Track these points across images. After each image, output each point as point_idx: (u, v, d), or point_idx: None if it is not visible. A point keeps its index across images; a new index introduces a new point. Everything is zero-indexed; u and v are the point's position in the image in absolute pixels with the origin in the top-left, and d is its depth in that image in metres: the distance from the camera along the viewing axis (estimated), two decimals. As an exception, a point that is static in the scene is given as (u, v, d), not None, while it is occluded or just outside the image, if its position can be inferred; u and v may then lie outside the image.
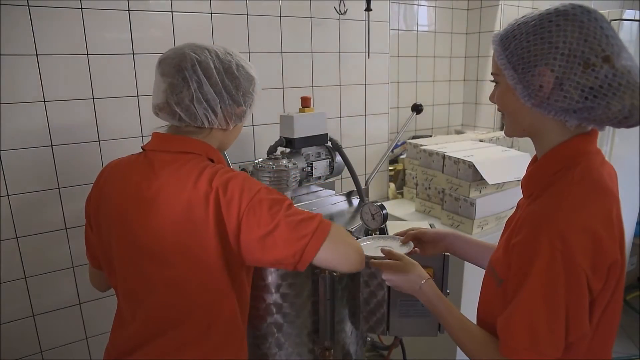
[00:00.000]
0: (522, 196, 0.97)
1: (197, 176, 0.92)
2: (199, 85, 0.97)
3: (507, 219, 1.02)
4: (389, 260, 1.09)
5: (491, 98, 0.93)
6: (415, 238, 1.23)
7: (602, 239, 0.77)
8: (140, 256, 0.97)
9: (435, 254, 1.22)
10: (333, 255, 0.92)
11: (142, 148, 1.04)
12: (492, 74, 0.90)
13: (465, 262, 1.82)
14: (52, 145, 1.47)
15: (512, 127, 0.92)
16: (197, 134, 1.02)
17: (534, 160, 0.94)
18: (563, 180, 0.82)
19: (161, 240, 0.94)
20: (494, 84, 0.91)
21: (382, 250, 1.13)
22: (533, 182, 0.89)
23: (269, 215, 0.89)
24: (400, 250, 1.19)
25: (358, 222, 1.41)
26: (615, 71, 0.76)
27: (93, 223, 1.07)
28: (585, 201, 0.79)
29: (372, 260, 1.12)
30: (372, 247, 1.23)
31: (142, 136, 1.61)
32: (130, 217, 0.97)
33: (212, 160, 1.01)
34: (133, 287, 1.01)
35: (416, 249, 1.23)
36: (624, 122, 0.79)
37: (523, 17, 0.83)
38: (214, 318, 0.98)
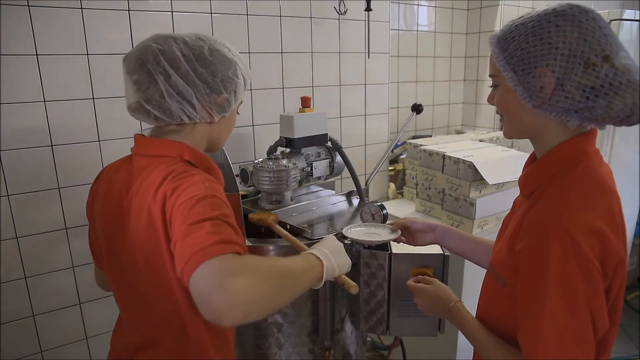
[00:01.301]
0: (518, 194, 0.97)
1: (160, 183, 0.85)
2: (167, 77, 0.89)
3: (504, 217, 1.01)
4: (422, 285, 1.10)
5: (489, 100, 0.93)
6: (404, 227, 1.24)
7: (609, 238, 0.76)
8: (123, 267, 0.95)
9: (425, 245, 1.24)
10: (196, 291, 0.68)
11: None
12: (490, 75, 0.90)
13: (466, 262, 1.83)
14: (52, 145, 1.47)
15: (512, 128, 0.91)
16: (178, 132, 0.95)
17: (532, 159, 0.94)
18: (564, 181, 0.82)
19: (133, 251, 0.90)
20: (491, 85, 0.91)
21: (417, 279, 1.14)
22: (532, 181, 0.89)
23: (182, 225, 0.76)
24: (388, 237, 1.21)
25: (358, 222, 1.41)
26: (615, 70, 0.76)
27: (91, 227, 1.06)
28: (588, 201, 0.79)
29: (409, 283, 1.14)
30: (362, 233, 1.25)
31: (142, 136, 1.61)
32: (112, 225, 0.95)
33: (191, 162, 0.93)
34: (120, 295, 1.00)
35: (402, 237, 1.24)
36: (625, 120, 0.79)
37: (520, 18, 0.83)
38: (184, 336, 0.92)
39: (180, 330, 0.92)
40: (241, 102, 1.04)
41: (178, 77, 0.89)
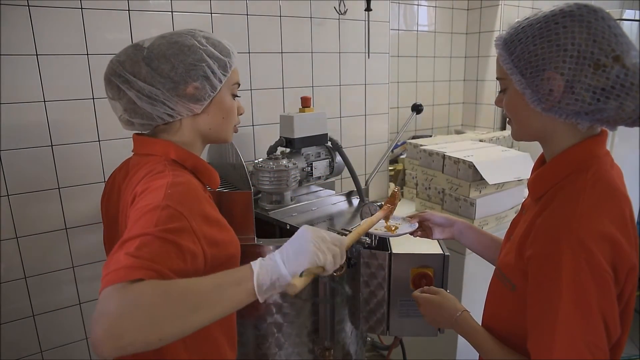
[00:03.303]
0: (527, 197, 0.95)
1: (137, 182, 0.85)
2: (131, 84, 0.89)
3: (512, 220, 1.00)
4: (428, 295, 1.09)
5: (498, 103, 0.91)
6: (422, 219, 1.22)
7: (621, 244, 0.75)
8: None
9: (441, 239, 1.22)
10: (96, 311, 0.65)
11: None
12: (497, 78, 0.88)
13: (466, 262, 1.83)
14: (52, 145, 1.47)
15: (521, 131, 0.89)
16: (167, 131, 0.96)
17: (542, 161, 0.92)
18: (575, 185, 0.80)
19: None
20: (498, 86, 0.89)
21: (423, 289, 1.13)
22: (541, 184, 0.87)
23: (125, 233, 0.74)
24: (405, 230, 1.19)
25: (358, 222, 1.41)
26: (626, 70, 0.74)
27: (103, 223, 1.08)
28: (600, 206, 0.77)
29: (414, 294, 1.12)
30: (379, 225, 1.22)
31: (142, 136, 1.61)
32: (113, 222, 0.97)
33: (177, 161, 0.92)
34: None
35: (419, 231, 1.22)
36: (638, 122, 0.77)
37: (526, 19, 0.81)
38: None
39: None
40: (238, 85, 1.00)
41: (141, 81, 0.89)
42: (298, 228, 1.35)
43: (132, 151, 0.99)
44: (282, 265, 0.79)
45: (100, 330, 0.62)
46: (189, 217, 0.78)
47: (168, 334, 0.68)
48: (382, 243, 1.33)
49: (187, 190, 0.84)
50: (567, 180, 0.82)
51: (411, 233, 1.20)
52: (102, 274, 0.68)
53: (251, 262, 0.79)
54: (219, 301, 0.73)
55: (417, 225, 1.21)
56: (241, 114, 1.04)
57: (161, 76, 0.89)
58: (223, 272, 0.77)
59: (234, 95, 1.00)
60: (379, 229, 1.20)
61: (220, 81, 0.94)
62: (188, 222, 0.78)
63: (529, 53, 0.78)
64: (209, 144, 1.06)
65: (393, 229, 1.20)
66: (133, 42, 1.52)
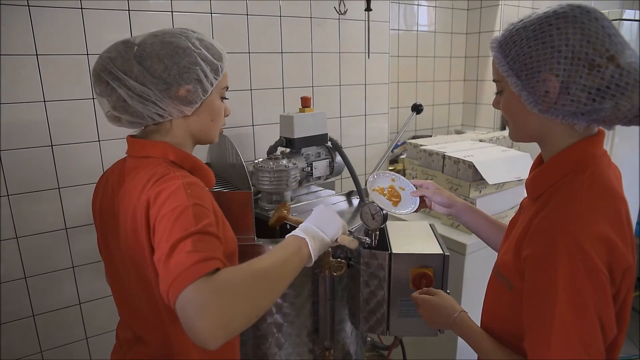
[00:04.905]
0: (525, 196, 0.96)
1: (143, 186, 0.85)
2: (122, 83, 0.87)
3: (511, 219, 1.01)
4: (426, 296, 1.09)
5: (495, 105, 0.91)
6: (424, 196, 1.29)
7: (617, 245, 0.76)
8: (116, 265, 0.97)
9: (440, 212, 1.29)
10: (181, 318, 0.68)
11: None
12: (494, 80, 0.89)
13: (466, 262, 1.83)
14: (52, 145, 1.47)
15: (518, 132, 0.90)
16: (159, 131, 0.95)
17: (539, 161, 0.92)
18: (572, 186, 0.80)
19: (123, 251, 0.91)
20: (496, 89, 0.90)
21: (422, 291, 1.15)
22: (539, 184, 0.87)
23: (166, 242, 0.74)
24: (408, 206, 1.26)
25: (358, 222, 1.41)
26: (621, 70, 0.74)
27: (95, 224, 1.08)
28: (596, 208, 0.77)
29: (413, 295, 1.13)
30: (384, 178, 1.32)
31: (142, 136, 1.61)
32: (107, 224, 0.97)
33: (176, 163, 0.92)
34: (114, 291, 1.03)
35: (419, 208, 1.28)
36: (634, 120, 0.77)
37: (520, 21, 0.82)
38: (166, 339, 0.92)
39: (163, 333, 0.92)
40: (226, 88, 1.00)
41: (132, 80, 0.88)
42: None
43: (127, 153, 0.98)
44: (321, 232, 0.96)
45: (208, 323, 0.65)
46: (211, 210, 0.83)
47: (263, 309, 0.77)
48: (382, 243, 1.33)
49: (200, 189, 0.86)
50: (565, 181, 0.82)
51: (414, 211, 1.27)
52: (165, 280, 0.70)
53: (292, 234, 0.93)
54: (288, 273, 0.84)
55: (418, 202, 1.27)
56: (227, 116, 1.04)
57: (153, 76, 0.88)
58: (278, 247, 0.88)
59: (222, 98, 1.00)
60: (384, 190, 1.28)
61: (212, 84, 0.94)
62: (213, 217, 0.83)
63: (523, 55, 0.79)
64: (197, 145, 1.06)
65: (395, 199, 1.27)
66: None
